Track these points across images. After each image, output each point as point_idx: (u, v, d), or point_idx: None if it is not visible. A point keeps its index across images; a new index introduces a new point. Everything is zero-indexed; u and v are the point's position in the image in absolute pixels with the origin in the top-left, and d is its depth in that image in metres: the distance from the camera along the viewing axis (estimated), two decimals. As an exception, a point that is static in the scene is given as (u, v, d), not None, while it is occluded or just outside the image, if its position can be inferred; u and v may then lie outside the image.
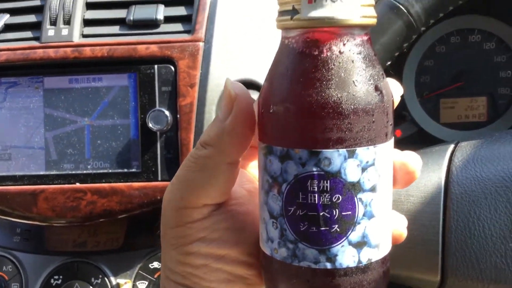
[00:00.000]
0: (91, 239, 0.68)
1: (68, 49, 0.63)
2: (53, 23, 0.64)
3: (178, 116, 0.61)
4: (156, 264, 0.66)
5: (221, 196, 0.34)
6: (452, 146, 0.48)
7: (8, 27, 0.66)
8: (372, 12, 0.30)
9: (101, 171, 0.62)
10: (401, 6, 0.45)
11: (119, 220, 0.64)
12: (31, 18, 0.66)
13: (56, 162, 0.63)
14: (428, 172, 0.45)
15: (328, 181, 0.29)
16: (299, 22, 0.29)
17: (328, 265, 0.30)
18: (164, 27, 0.64)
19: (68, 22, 0.64)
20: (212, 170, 0.33)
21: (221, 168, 0.33)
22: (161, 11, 0.64)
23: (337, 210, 0.30)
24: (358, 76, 0.29)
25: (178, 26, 0.64)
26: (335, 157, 0.29)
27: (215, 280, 0.35)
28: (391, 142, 0.32)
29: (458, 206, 0.43)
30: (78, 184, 0.62)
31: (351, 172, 0.29)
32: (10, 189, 0.62)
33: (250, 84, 0.63)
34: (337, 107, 0.29)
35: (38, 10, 0.66)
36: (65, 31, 0.64)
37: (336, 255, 0.30)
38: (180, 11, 0.64)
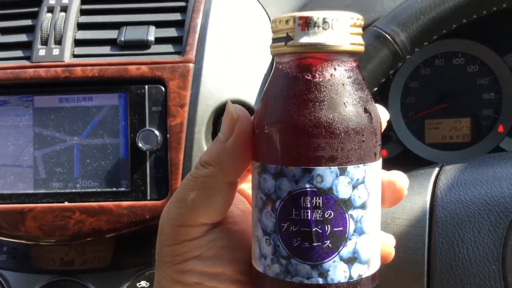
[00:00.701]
0: (79, 258, 0.68)
1: (59, 69, 0.63)
2: (44, 43, 0.65)
3: (168, 136, 0.62)
4: (143, 283, 0.66)
5: (219, 216, 0.35)
6: (436, 169, 0.49)
7: (-1, 46, 0.66)
8: (360, 40, 0.32)
9: (90, 190, 0.62)
10: (387, 35, 0.46)
11: (107, 239, 0.64)
12: (22, 37, 0.66)
13: (45, 181, 0.63)
14: (413, 195, 0.46)
15: (321, 198, 0.31)
16: (293, 48, 0.31)
17: (320, 281, 0.31)
18: (155, 48, 0.64)
19: (59, 42, 0.65)
20: (212, 189, 0.34)
21: (220, 187, 0.34)
22: (152, 32, 0.65)
23: (329, 226, 0.31)
24: (348, 98, 0.31)
25: (169, 47, 0.64)
26: (327, 174, 0.31)
27: None
28: (379, 162, 0.33)
29: (443, 229, 0.44)
30: (66, 203, 0.62)
31: (342, 189, 0.31)
32: (-2, 208, 0.62)
33: (238, 104, 0.64)
34: (329, 127, 0.30)
35: (29, 29, 0.66)
36: (56, 51, 0.64)
37: (328, 270, 0.31)
38: (171, 32, 0.65)
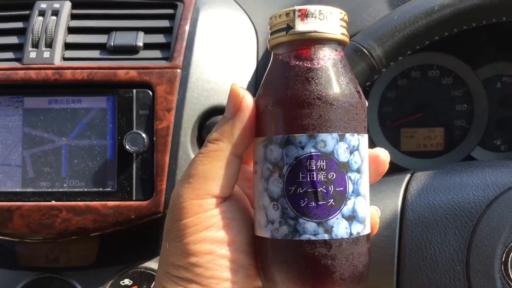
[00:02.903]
0: (64, 255, 0.69)
1: (49, 71, 0.65)
2: (35, 45, 0.66)
3: (155, 138, 0.64)
4: (127, 281, 0.68)
5: (228, 188, 0.38)
6: (408, 175, 0.52)
7: (-10, 47, 0.68)
8: (346, 33, 0.38)
9: (77, 189, 0.64)
10: (364, 50, 0.50)
11: (92, 237, 0.66)
12: (13, 39, 0.67)
13: (33, 180, 0.64)
14: (385, 199, 0.49)
15: (324, 161, 0.35)
16: (294, 36, 0.36)
17: (326, 236, 0.35)
18: (143, 54, 0.66)
19: (50, 45, 0.66)
20: (222, 161, 0.37)
21: (230, 160, 0.38)
22: (141, 38, 0.67)
23: (332, 186, 0.35)
24: (343, 78, 0.36)
25: (157, 53, 0.67)
26: (329, 140, 0.35)
27: (218, 269, 0.37)
28: (367, 137, 0.38)
29: (412, 231, 0.47)
30: (53, 202, 0.64)
31: (342, 153, 0.35)
32: (-15, 205, 0.63)
33: (223, 110, 0.67)
34: (331, 99, 0.35)
35: (20, 32, 0.68)
36: (46, 54, 0.66)
37: (332, 226, 0.35)
38: (159, 38, 0.67)
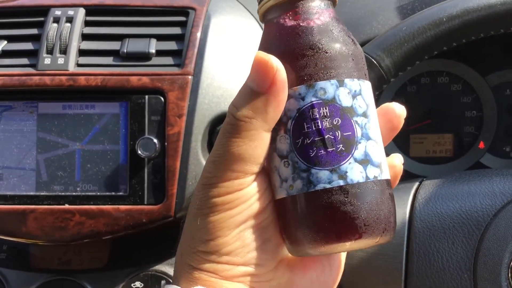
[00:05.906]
0: (76, 258, 0.71)
1: (64, 77, 0.66)
2: (50, 51, 0.68)
3: (166, 144, 0.65)
4: (138, 284, 0.69)
5: (260, 164, 0.36)
6: (416, 184, 0.53)
7: (5, 53, 0.68)
8: None
9: (90, 193, 0.65)
10: (373, 60, 0.50)
11: (104, 240, 0.67)
12: (28, 46, 0.68)
13: (47, 184, 0.65)
14: (394, 207, 0.50)
15: (327, 107, 0.35)
16: None
17: (341, 182, 0.34)
18: (155, 60, 0.67)
19: (64, 51, 0.67)
20: (258, 141, 0.35)
21: (263, 137, 0.36)
22: (153, 45, 0.68)
23: (339, 131, 0.34)
24: (333, 27, 0.36)
25: (169, 60, 0.67)
26: (329, 86, 0.35)
27: (249, 239, 0.36)
28: (370, 84, 0.37)
29: (420, 239, 0.48)
30: (67, 205, 0.65)
31: (344, 98, 0.35)
32: (0, 208, 0.65)
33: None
34: (324, 47, 0.35)
35: (35, 38, 0.69)
36: (61, 60, 0.67)
37: (346, 172, 0.34)
38: (171, 45, 0.68)
